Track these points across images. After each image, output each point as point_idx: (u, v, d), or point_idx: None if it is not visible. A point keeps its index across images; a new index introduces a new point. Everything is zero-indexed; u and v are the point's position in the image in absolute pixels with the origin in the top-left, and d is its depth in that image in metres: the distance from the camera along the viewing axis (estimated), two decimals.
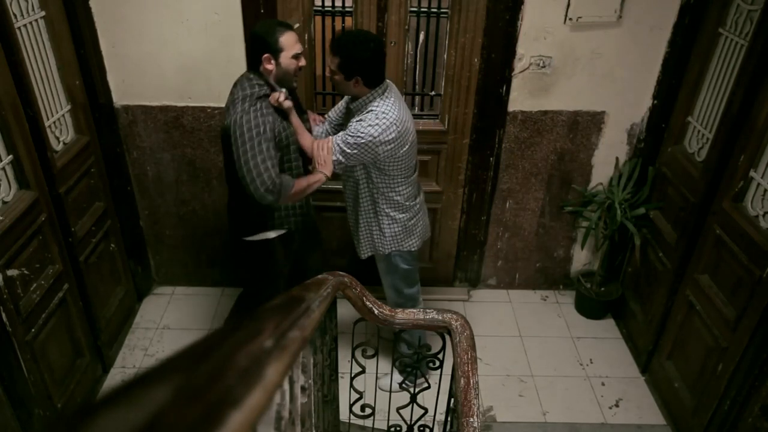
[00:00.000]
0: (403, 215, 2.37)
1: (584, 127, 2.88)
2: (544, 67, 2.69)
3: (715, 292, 2.36)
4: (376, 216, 2.37)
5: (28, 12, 2.20)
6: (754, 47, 2.15)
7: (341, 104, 2.41)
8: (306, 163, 2.25)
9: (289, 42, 2.05)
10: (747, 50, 2.21)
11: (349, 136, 2.12)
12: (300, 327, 0.83)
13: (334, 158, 2.15)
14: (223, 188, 3.01)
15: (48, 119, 2.34)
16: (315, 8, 2.65)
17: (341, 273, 1.84)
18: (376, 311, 1.88)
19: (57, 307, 2.36)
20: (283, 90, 2.12)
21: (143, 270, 3.23)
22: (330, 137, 2.20)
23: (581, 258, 3.33)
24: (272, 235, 2.32)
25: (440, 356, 1.96)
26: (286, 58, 2.06)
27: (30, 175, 2.18)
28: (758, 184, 2.18)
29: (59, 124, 2.45)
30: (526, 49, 2.66)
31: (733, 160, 2.28)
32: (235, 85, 2.15)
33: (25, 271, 2.15)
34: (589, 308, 3.28)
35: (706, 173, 2.43)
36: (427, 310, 1.92)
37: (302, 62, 2.12)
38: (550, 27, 2.61)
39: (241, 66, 2.66)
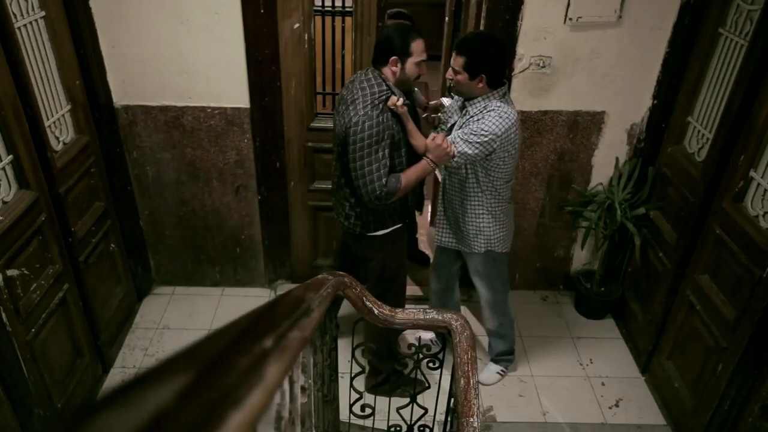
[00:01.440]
0: (502, 217, 2.43)
1: (584, 127, 2.88)
2: (544, 67, 2.69)
3: (715, 292, 2.36)
4: (482, 214, 2.41)
5: (28, 12, 2.20)
6: (754, 47, 2.15)
7: (451, 106, 2.45)
8: (415, 162, 2.28)
9: (418, 49, 2.12)
10: (747, 50, 2.21)
11: (472, 134, 2.17)
12: (300, 327, 0.83)
13: (458, 154, 2.19)
14: (223, 188, 3.01)
15: (48, 119, 2.34)
16: (315, 8, 2.65)
17: (341, 273, 1.84)
18: (376, 311, 1.88)
19: (57, 307, 2.36)
20: (402, 96, 2.16)
21: (143, 270, 3.23)
22: (443, 135, 2.26)
23: (581, 258, 3.33)
24: (389, 229, 2.38)
25: (440, 356, 1.96)
26: (411, 64, 2.14)
27: (30, 175, 2.18)
28: (758, 184, 2.18)
29: (59, 124, 2.45)
30: (526, 49, 2.66)
31: (733, 160, 2.28)
32: (352, 81, 2.20)
33: (25, 271, 2.15)
34: (589, 308, 3.28)
35: (706, 173, 2.43)
36: (427, 310, 1.92)
37: (423, 70, 2.20)
38: (550, 27, 2.61)
39: (241, 66, 2.67)
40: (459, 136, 2.20)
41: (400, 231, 2.42)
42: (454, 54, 2.18)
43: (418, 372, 1.98)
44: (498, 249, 2.48)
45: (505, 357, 2.87)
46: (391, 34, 2.14)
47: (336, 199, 2.41)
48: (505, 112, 2.18)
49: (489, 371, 2.87)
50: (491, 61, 2.14)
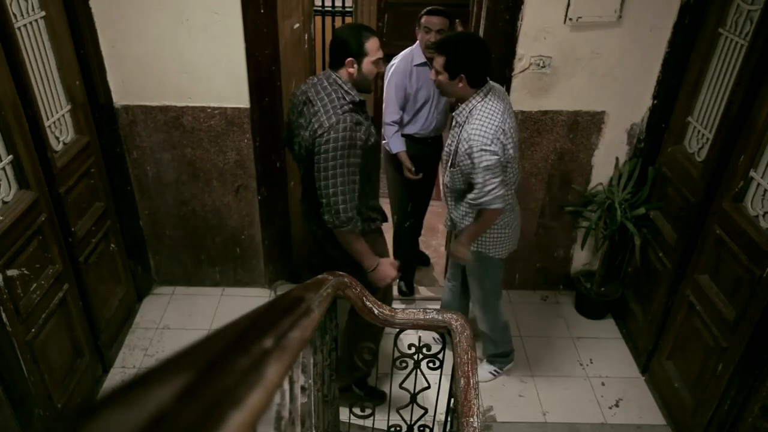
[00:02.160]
0: (500, 222, 2.40)
1: (584, 127, 2.88)
2: (544, 67, 2.69)
3: (715, 292, 2.36)
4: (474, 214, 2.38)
5: (28, 12, 2.20)
6: (754, 47, 2.15)
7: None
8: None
9: (373, 47, 2.10)
10: (747, 50, 2.21)
11: (482, 175, 2.14)
12: (300, 327, 0.83)
13: (492, 189, 2.16)
14: (223, 188, 3.01)
15: (48, 119, 2.34)
16: (315, 8, 2.66)
17: (341, 273, 1.84)
18: (376, 311, 1.88)
19: (57, 307, 2.36)
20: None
21: (143, 270, 3.23)
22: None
23: (581, 258, 3.33)
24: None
25: (440, 356, 1.96)
26: (368, 63, 2.10)
27: (30, 175, 2.18)
28: (758, 184, 2.18)
29: (59, 124, 2.45)
30: (526, 49, 2.66)
31: (733, 160, 2.28)
32: (313, 85, 2.12)
33: (25, 271, 2.15)
34: (589, 308, 3.28)
35: (706, 173, 2.43)
36: (427, 310, 1.92)
37: (381, 68, 2.16)
38: (550, 27, 2.61)
39: (241, 66, 2.67)
40: (474, 187, 2.18)
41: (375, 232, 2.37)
42: (436, 55, 2.18)
43: (418, 372, 1.98)
44: (489, 252, 2.45)
45: (499, 359, 2.88)
46: (344, 35, 2.10)
47: (306, 207, 2.33)
48: (487, 117, 2.14)
49: (482, 370, 2.86)
50: (469, 60, 2.13)
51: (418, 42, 2.93)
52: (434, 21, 2.83)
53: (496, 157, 2.12)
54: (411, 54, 2.93)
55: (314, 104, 2.07)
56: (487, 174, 2.14)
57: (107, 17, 2.55)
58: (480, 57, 2.16)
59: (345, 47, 2.08)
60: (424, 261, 3.60)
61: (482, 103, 2.18)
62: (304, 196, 2.34)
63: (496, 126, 2.13)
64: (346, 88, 2.08)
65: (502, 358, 2.87)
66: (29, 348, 2.16)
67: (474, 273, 2.59)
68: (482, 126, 2.13)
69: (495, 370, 2.88)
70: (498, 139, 2.13)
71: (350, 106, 2.06)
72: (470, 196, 2.23)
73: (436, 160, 3.10)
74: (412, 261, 3.39)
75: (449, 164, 2.30)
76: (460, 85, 2.16)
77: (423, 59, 2.89)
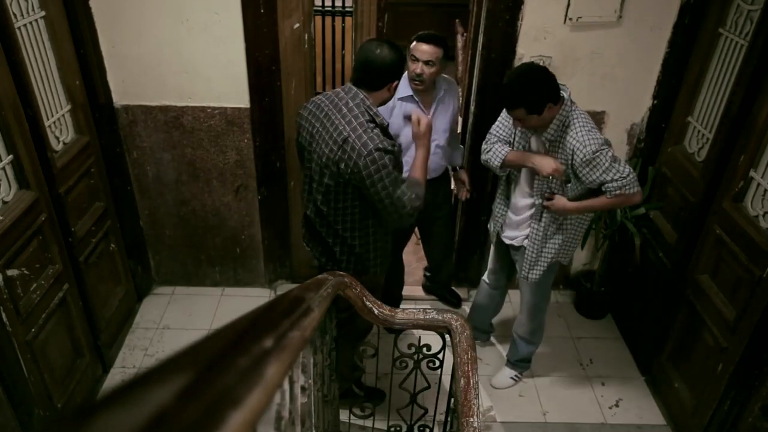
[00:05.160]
0: (582, 227, 2.42)
1: None
2: None
3: (715, 292, 2.36)
4: (565, 220, 2.36)
5: (28, 12, 2.20)
6: (754, 47, 2.15)
7: (506, 121, 2.31)
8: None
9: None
10: (747, 50, 2.21)
11: (610, 160, 2.09)
12: (300, 327, 0.83)
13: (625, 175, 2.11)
14: (223, 188, 3.01)
15: (48, 119, 2.34)
16: (315, 8, 2.65)
17: (341, 273, 1.84)
18: (376, 311, 1.88)
19: (57, 307, 2.36)
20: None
21: (143, 270, 3.23)
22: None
23: (581, 258, 3.33)
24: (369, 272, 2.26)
25: (440, 356, 1.96)
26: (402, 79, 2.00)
27: (30, 175, 2.18)
28: (758, 184, 2.18)
29: (59, 124, 2.45)
30: (526, 49, 2.66)
31: (733, 160, 2.28)
32: (335, 105, 1.95)
33: (25, 271, 2.15)
34: (589, 308, 3.28)
35: (706, 173, 2.43)
36: (427, 310, 1.92)
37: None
38: (550, 27, 2.61)
39: (241, 66, 2.67)
40: (611, 182, 2.12)
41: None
42: (511, 112, 2.08)
43: (418, 372, 1.98)
44: (564, 260, 2.46)
45: (522, 363, 2.84)
46: (391, 58, 1.89)
47: (310, 234, 2.21)
48: (584, 118, 2.11)
49: (503, 375, 2.85)
50: (543, 88, 2.02)
51: (407, 72, 2.44)
52: (423, 49, 2.39)
53: (611, 148, 2.13)
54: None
55: (341, 129, 1.89)
56: (615, 163, 2.09)
57: (107, 17, 2.55)
58: (546, 75, 2.04)
59: (394, 70, 1.90)
60: (455, 301, 3.38)
61: (572, 110, 2.13)
62: (311, 223, 2.16)
63: (594, 125, 2.14)
64: (375, 110, 1.94)
65: (525, 362, 2.85)
66: (29, 348, 2.16)
67: (541, 285, 2.53)
68: (587, 128, 2.10)
69: (516, 375, 2.85)
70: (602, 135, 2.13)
71: (378, 130, 1.91)
72: (613, 185, 2.12)
73: (432, 208, 2.77)
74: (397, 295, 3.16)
75: (561, 181, 2.25)
76: (551, 111, 2.07)
77: (409, 92, 2.49)
